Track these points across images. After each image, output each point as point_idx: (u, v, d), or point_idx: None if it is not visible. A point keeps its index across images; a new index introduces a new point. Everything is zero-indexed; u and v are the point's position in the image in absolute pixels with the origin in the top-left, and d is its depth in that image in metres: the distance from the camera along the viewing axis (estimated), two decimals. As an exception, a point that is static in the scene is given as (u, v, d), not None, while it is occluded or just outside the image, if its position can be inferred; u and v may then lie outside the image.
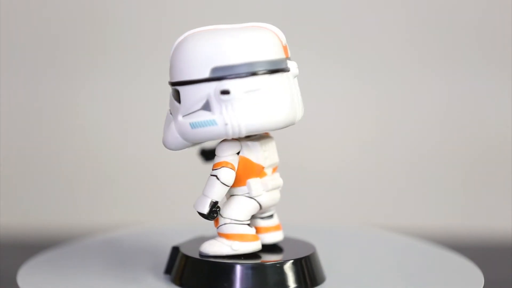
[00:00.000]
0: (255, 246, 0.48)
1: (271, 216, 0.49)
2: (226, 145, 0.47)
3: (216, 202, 0.46)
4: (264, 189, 0.47)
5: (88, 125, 0.88)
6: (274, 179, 0.48)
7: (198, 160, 0.53)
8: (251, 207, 0.47)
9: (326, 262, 0.50)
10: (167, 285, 0.47)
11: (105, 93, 0.88)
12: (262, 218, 0.49)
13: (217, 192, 0.46)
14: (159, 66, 0.85)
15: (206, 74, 0.45)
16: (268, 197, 0.48)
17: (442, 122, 0.89)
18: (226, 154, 0.47)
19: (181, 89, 0.45)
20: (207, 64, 0.45)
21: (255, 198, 0.47)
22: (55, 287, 0.47)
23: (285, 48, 0.46)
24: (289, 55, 0.47)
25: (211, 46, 0.45)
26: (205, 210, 0.46)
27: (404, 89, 0.89)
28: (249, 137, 0.47)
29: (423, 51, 0.89)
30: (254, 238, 0.48)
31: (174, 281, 0.47)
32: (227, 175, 0.46)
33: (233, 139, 0.47)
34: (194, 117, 0.45)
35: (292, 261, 0.47)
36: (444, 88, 0.89)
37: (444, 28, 0.88)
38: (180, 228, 0.59)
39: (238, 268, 0.45)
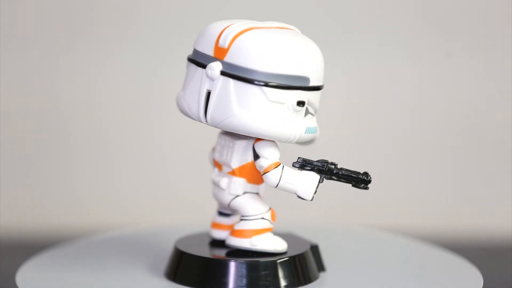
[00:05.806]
0: (212, 234, 0.50)
1: (227, 214, 0.50)
2: None
3: None
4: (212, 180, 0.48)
5: (88, 125, 0.88)
6: (217, 176, 0.48)
7: (197, 160, 0.53)
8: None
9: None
10: (165, 284, 0.47)
11: (104, 92, 0.88)
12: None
13: None
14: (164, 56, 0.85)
15: None
16: (214, 190, 0.48)
17: (441, 122, 0.89)
18: None
19: None
20: None
21: None
22: (54, 287, 0.47)
23: (219, 49, 0.44)
24: (226, 58, 0.44)
25: None
26: None
27: (403, 89, 0.89)
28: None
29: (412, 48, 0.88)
30: (213, 225, 0.50)
31: (168, 276, 0.48)
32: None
33: None
34: None
35: (286, 258, 0.47)
36: (444, 90, 0.89)
37: (451, 15, 0.88)
38: (179, 228, 0.59)
39: (232, 264, 0.46)
